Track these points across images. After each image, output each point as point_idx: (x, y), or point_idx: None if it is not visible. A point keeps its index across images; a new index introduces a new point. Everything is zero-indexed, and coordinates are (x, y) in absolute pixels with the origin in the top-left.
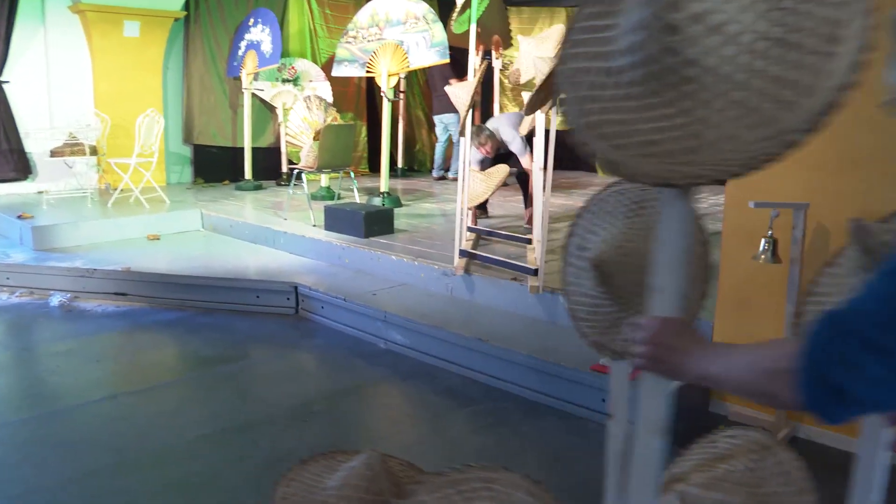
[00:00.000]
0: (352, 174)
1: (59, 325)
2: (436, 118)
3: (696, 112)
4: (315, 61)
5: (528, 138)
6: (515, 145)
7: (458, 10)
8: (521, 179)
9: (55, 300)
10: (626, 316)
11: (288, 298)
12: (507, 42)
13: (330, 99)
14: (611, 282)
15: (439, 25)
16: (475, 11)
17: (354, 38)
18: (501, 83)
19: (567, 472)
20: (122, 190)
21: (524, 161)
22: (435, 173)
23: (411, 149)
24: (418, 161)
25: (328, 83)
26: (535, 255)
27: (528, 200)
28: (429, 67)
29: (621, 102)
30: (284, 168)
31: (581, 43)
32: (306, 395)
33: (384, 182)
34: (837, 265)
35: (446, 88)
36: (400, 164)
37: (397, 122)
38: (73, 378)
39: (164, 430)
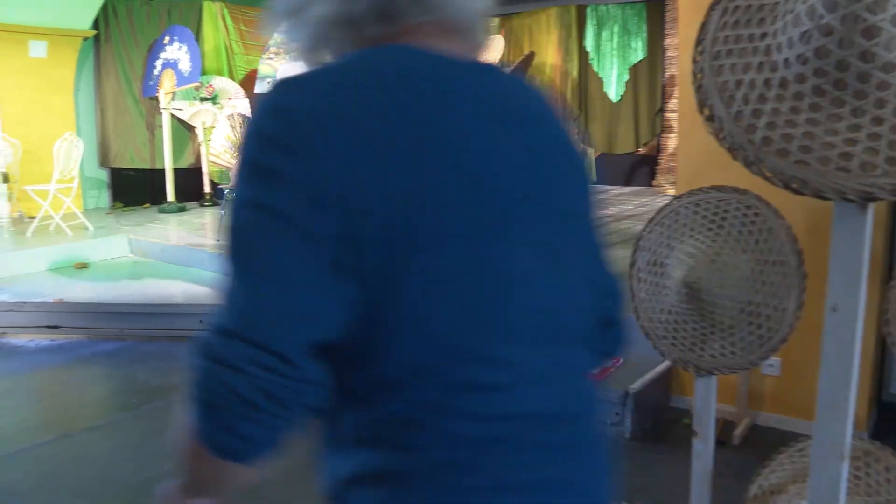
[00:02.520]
0: None
1: None
2: None
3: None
4: (232, 78)
5: None
6: None
7: None
8: None
9: None
10: (714, 331)
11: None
12: None
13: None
14: (700, 297)
15: None
16: None
17: (277, 53)
18: None
19: None
20: (41, 218)
21: None
22: None
23: None
24: None
25: (247, 100)
26: None
27: None
28: None
29: (801, 115)
30: (207, 188)
31: (727, 54)
32: None
33: None
34: None
35: None
36: None
37: None
38: (15, 420)
39: (129, 465)
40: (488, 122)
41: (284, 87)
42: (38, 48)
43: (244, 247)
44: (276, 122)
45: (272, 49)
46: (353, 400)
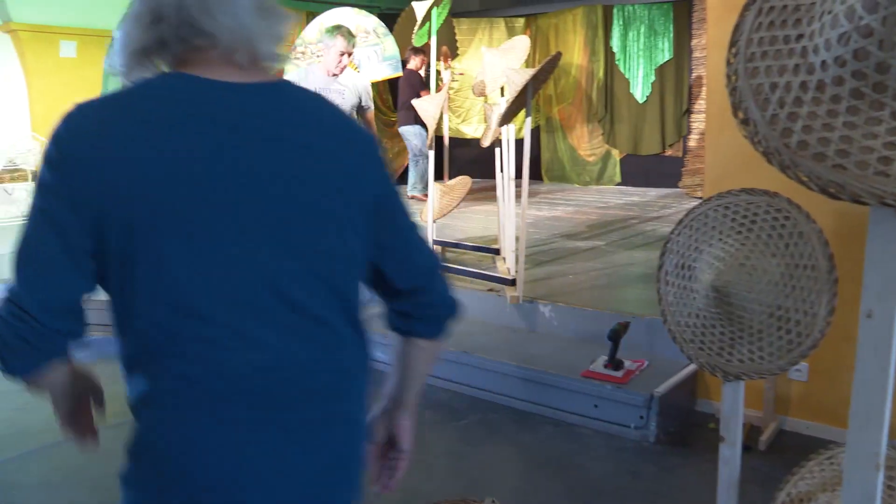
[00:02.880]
0: None
1: None
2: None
3: None
4: None
5: (491, 148)
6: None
7: (418, 23)
8: None
9: None
10: (742, 336)
11: None
12: (454, 52)
13: None
14: (728, 301)
15: (391, 39)
16: (435, 25)
17: (303, 53)
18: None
19: (573, 480)
20: None
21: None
22: (411, 191)
23: None
24: None
25: None
26: (506, 265)
27: None
28: (397, 79)
29: (839, 118)
30: None
31: (762, 56)
32: None
33: None
34: None
35: (413, 102)
36: None
37: None
38: (42, 416)
39: None
40: (225, 137)
41: (66, 115)
42: (68, 48)
43: (23, 238)
44: (50, 145)
45: (298, 49)
46: (121, 340)
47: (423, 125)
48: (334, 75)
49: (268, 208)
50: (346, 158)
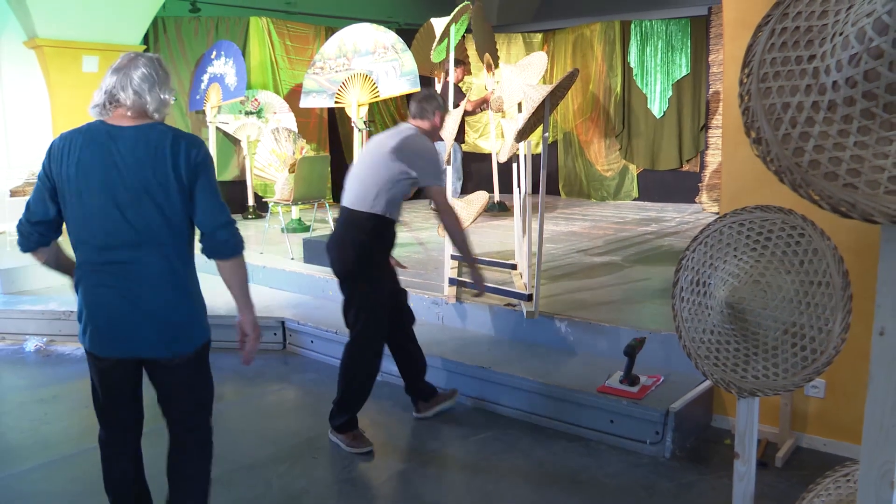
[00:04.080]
0: (327, 205)
1: (38, 370)
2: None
3: None
4: (277, 93)
5: (508, 163)
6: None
7: (437, 39)
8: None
9: (30, 345)
10: (757, 352)
11: (275, 334)
12: (496, 62)
13: (295, 130)
14: (743, 318)
15: (409, 54)
16: (453, 41)
17: (322, 68)
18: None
19: (589, 495)
20: None
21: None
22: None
23: None
24: None
25: (292, 114)
26: (522, 280)
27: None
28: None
29: (850, 138)
30: (251, 201)
31: (774, 77)
32: (309, 430)
33: None
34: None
35: None
36: None
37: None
38: (63, 426)
39: None
40: (101, 150)
41: (57, 137)
42: (90, 63)
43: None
44: (47, 151)
45: (317, 64)
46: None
47: (458, 140)
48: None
49: (112, 186)
50: (161, 161)
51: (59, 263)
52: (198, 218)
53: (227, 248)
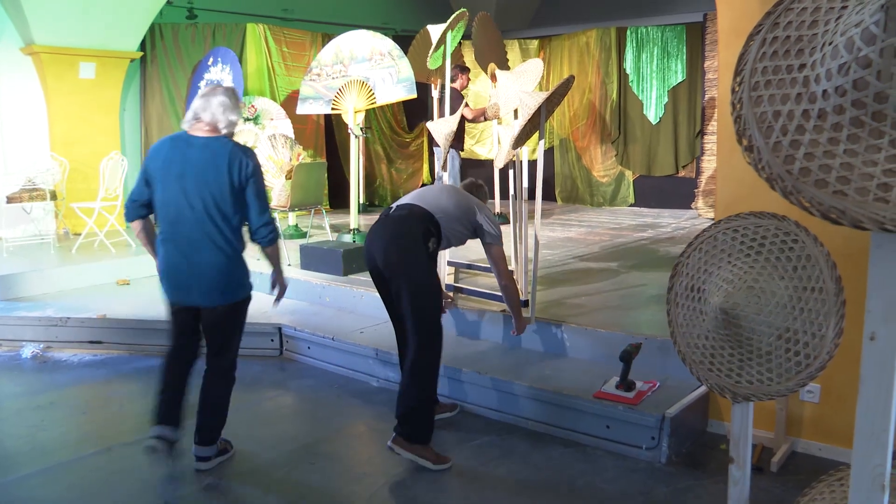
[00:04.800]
0: (324, 212)
1: (35, 377)
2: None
3: None
4: (274, 99)
5: (506, 170)
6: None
7: (433, 46)
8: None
9: (27, 351)
10: (751, 358)
11: (272, 340)
12: (504, 68)
13: (292, 137)
14: (737, 323)
15: (405, 61)
16: (450, 48)
17: (318, 75)
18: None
19: (585, 501)
20: (86, 235)
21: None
22: None
23: (371, 184)
24: (379, 196)
25: (289, 121)
26: (518, 286)
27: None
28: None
29: (840, 146)
30: None
31: (766, 85)
32: (306, 436)
33: (354, 218)
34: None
35: (427, 124)
36: (361, 199)
37: (358, 158)
38: (59, 433)
39: (168, 480)
40: (180, 152)
41: (157, 142)
42: (87, 69)
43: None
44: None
45: (314, 71)
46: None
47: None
48: None
49: (183, 179)
50: (220, 165)
51: (147, 234)
52: (248, 215)
53: (267, 240)
